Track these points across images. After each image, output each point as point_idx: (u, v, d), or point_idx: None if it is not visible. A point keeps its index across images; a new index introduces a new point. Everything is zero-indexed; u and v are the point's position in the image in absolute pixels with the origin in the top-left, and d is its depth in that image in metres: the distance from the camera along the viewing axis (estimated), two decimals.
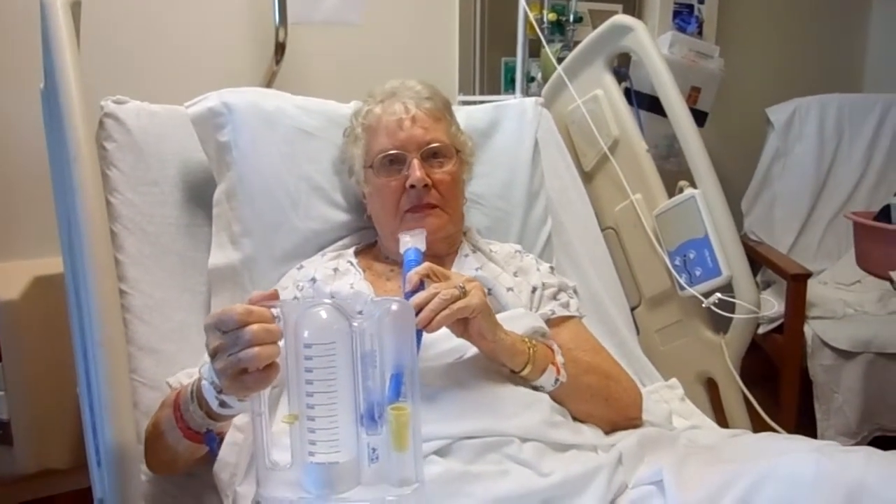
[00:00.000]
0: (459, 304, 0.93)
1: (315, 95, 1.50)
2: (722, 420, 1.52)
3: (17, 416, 1.62)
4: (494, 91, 2.23)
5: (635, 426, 1.18)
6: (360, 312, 0.83)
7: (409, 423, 0.81)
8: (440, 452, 0.93)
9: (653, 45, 1.64)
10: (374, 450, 0.82)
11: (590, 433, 1.07)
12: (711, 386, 1.60)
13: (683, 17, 2.42)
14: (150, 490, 1.10)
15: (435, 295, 0.93)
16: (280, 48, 1.81)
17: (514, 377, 1.06)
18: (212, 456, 0.98)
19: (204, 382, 0.89)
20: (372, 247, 1.34)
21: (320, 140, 1.42)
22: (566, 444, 1.01)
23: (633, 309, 1.71)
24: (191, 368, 1.12)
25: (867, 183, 2.57)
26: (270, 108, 1.41)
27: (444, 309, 0.92)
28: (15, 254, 1.73)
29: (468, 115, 1.58)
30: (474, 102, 1.74)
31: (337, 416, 0.79)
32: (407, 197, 1.20)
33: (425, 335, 0.96)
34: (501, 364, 1.04)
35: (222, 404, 0.89)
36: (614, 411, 1.15)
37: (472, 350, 1.07)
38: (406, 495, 0.80)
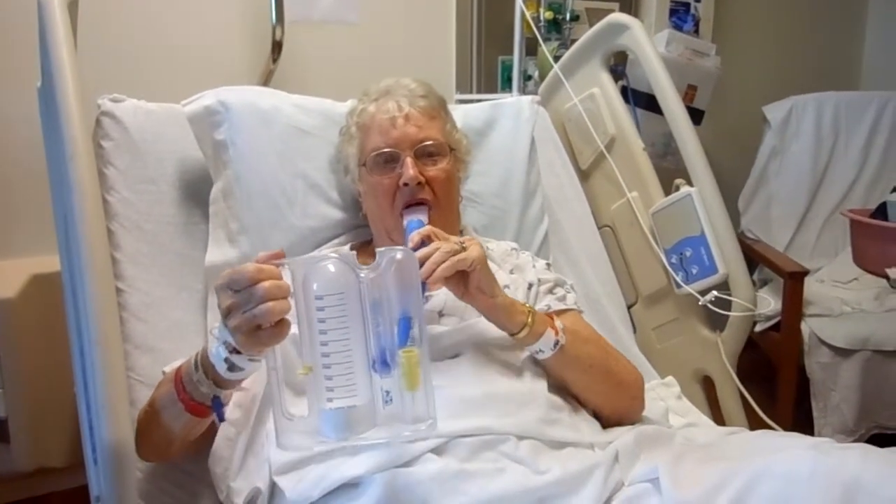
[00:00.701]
0: (459, 256, 0.97)
1: (312, 94, 1.50)
2: (718, 418, 1.52)
3: (15, 413, 1.62)
4: (491, 90, 2.23)
5: (635, 417, 1.19)
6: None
7: (420, 364, 0.84)
8: (436, 451, 0.93)
9: (649, 43, 1.64)
10: (387, 392, 0.85)
11: (587, 430, 1.07)
12: (708, 384, 1.61)
13: (680, 16, 2.42)
14: (147, 487, 1.10)
15: (436, 250, 0.97)
16: (277, 47, 1.81)
17: (511, 372, 1.06)
18: (218, 421, 0.99)
19: (212, 348, 0.90)
20: (368, 245, 1.34)
21: (317, 138, 1.42)
22: (563, 441, 1.01)
23: (629, 307, 1.71)
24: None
25: (864, 180, 2.57)
26: (267, 106, 1.41)
27: (444, 262, 0.95)
28: (12, 252, 1.72)
29: (465, 114, 1.58)
30: (471, 101, 1.74)
31: (352, 363, 0.82)
32: (401, 195, 1.20)
33: (428, 294, 1.01)
34: (500, 325, 1.05)
35: (231, 368, 0.90)
36: (615, 385, 1.15)
37: (468, 349, 1.08)
38: (421, 430, 0.85)
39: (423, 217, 1.17)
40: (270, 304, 0.82)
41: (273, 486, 0.97)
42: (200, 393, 0.94)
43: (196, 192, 1.38)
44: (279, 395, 0.85)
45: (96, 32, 1.64)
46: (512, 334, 1.05)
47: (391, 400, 0.85)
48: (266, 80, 1.86)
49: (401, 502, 0.88)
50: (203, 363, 0.93)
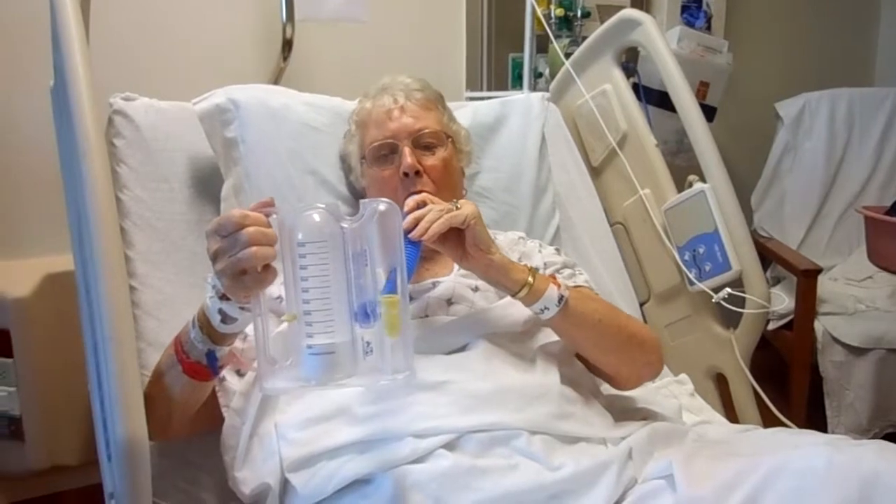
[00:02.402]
0: (453, 213, 0.98)
1: (322, 92, 1.51)
2: (732, 416, 1.51)
3: (29, 412, 1.63)
4: (502, 87, 2.23)
5: (653, 376, 1.19)
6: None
7: (400, 310, 0.84)
8: (448, 446, 0.93)
9: (662, 39, 1.63)
10: (368, 343, 0.85)
11: (600, 424, 1.05)
12: (721, 381, 1.59)
13: (692, 12, 2.41)
14: (159, 483, 1.10)
15: (430, 210, 0.98)
16: (287, 45, 1.82)
17: (522, 364, 1.06)
18: (212, 375, 0.98)
19: (207, 296, 0.91)
20: None
21: (326, 135, 1.43)
22: (576, 436, 1.00)
23: (641, 304, 1.70)
24: None
25: (878, 178, 2.55)
26: (276, 104, 1.42)
27: (439, 219, 0.96)
28: (26, 252, 1.73)
29: (474, 111, 1.59)
30: (482, 98, 1.74)
31: (331, 310, 0.83)
32: (402, 187, 1.20)
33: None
34: (500, 285, 1.04)
35: (224, 319, 0.90)
36: (627, 339, 1.12)
37: (478, 339, 1.07)
38: (399, 379, 0.85)
39: None
40: (254, 248, 0.83)
41: (285, 483, 0.97)
42: (197, 351, 0.95)
43: (207, 190, 1.38)
44: (263, 341, 0.86)
45: (108, 31, 1.64)
46: (514, 294, 1.03)
47: (371, 351, 0.85)
48: (276, 79, 1.87)
49: (413, 499, 0.88)
50: (200, 319, 0.94)
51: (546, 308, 1.04)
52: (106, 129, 1.34)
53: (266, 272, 0.85)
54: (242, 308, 0.90)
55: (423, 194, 1.06)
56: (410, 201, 1.02)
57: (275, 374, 0.86)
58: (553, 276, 1.08)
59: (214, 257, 0.86)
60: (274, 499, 0.97)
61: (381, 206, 0.87)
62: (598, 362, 1.12)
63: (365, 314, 0.85)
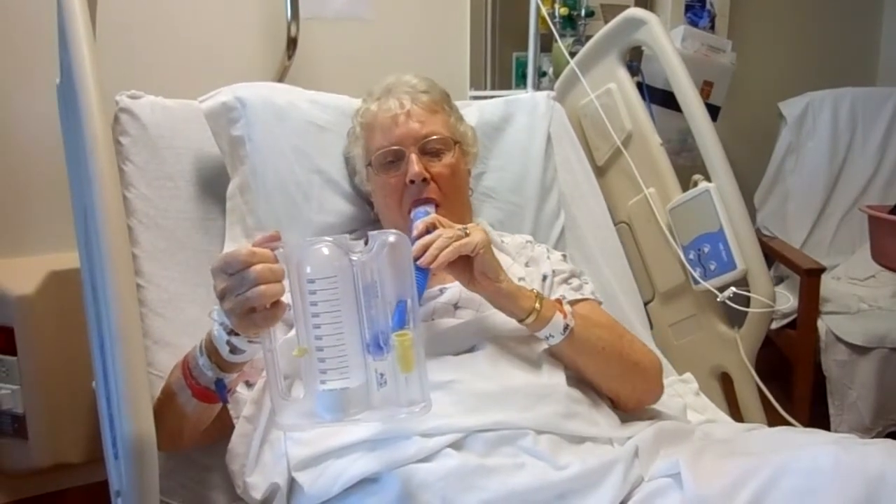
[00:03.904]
0: (462, 241, 0.98)
1: (327, 90, 1.51)
2: (736, 415, 1.51)
3: (33, 410, 1.63)
4: (506, 86, 2.22)
5: (654, 401, 1.18)
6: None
7: (413, 346, 0.83)
8: (455, 446, 0.94)
9: (667, 39, 1.62)
10: (381, 375, 0.85)
11: (606, 424, 1.06)
12: (726, 380, 1.59)
13: (695, 12, 2.41)
14: (166, 483, 1.10)
15: (439, 236, 0.97)
16: (292, 43, 1.82)
17: (529, 366, 1.06)
18: (222, 401, 0.99)
19: (214, 329, 0.91)
20: None
21: (332, 134, 1.42)
22: (582, 436, 1.00)
23: (646, 303, 1.70)
24: None
25: (881, 177, 2.55)
26: (283, 102, 1.42)
27: (447, 247, 0.96)
28: (30, 249, 1.74)
29: (480, 110, 1.58)
30: (485, 97, 1.74)
31: (344, 346, 0.82)
32: (408, 193, 1.20)
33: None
34: (507, 311, 1.04)
35: (232, 350, 0.91)
36: (630, 367, 1.13)
37: (485, 342, 1.07)
38: (415, 412, 0.84)
39: (431, 210, 1.18)
40: (262, 287, 0.83)
41: (292, 482, 0.97)
42: (206, 377, 0.95)
43: (213, 188, 1.38)
44: (275, 375, 0.86)
45: (113, 29, 1.64)
46: (520, 320, 1.04)
47: (385, 382, 0.85)
48: (281, 77, 1.87)
49: (419, 498, 0.88)
50: (207, 347, 0.94)
51: (551, 335, 1.05)
52: (112, 126, 1.34)
53: (276, 308, 0.85)
54: (252, 341, 0.90)
55: (433, 216, 1.05)
56: (420, 224, 1.02)
57: (288, 407, 0.86)
58: (559, 302, 1.07)
59: (221, 296, 0.86)
60: (282, 498, 0.97)
61: (391, 238, 0.86)
62: (599, 387, 1.12)
63: (377, 346, 0.85)
